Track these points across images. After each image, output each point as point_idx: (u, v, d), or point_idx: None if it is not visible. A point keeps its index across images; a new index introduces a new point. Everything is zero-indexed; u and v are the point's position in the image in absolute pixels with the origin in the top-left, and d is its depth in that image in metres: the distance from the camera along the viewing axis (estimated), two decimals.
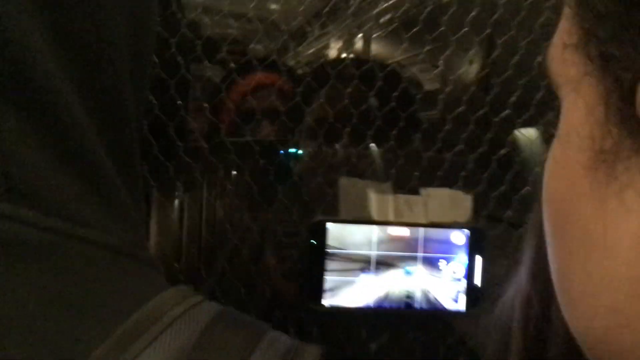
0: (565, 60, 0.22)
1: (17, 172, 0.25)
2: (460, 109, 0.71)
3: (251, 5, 0.83)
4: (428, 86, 1.10)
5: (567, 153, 0.23)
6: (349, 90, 0.73)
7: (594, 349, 0.23)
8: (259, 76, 0.85)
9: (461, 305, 0.65)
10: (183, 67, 0.69)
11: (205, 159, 0.67)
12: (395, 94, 0.71)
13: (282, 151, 0.78)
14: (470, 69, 0.92)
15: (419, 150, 0.69)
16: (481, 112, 0.71)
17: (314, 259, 0.61)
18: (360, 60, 0.79)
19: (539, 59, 0.67)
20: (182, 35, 0.78)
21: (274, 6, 1.39)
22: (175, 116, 0.63)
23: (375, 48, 1.46)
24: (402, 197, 0.63)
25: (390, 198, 0.64)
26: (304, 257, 0.62)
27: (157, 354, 0.25)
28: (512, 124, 0.70)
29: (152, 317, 0.26)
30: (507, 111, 0.70)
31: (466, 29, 0.73)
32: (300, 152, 0.79)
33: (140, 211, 0.34)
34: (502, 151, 0.67)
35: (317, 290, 0.62)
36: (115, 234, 0.28)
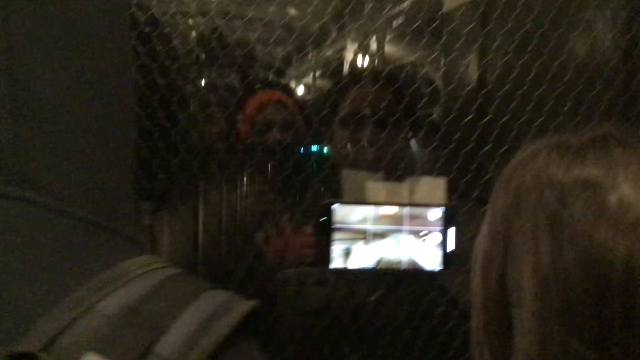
0: None
1: (27, 167, 0.33)
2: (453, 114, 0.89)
3: (270, 9, 0.99)
4: (438, 84, 1.26)
5: None
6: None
7: None
8: (269, 94, 1.05)
9: (438, 266, 0.84)
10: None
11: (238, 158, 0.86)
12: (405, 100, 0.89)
13: (303, 150, 0.98)
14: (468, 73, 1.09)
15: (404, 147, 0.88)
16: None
17: (325, 232, 0.80)
18: (375, 71, 0.96)
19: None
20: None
21: (292, 11, 1.52)
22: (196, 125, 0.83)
23: (391, 49, 1.62)
24: (391, 184, 0.82)
25: (382, 184, 0.83)
26: (317, 231, 0.81)
27: (117, 299, 0.29)
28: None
29: (121, 274, 0.31)
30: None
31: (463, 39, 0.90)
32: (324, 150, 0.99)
33: (127, 199, 0.40)
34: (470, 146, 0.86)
35: (327, 255, 0.81)
36: (100, 212, 0.36)
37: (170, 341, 0.28)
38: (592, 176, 0.42)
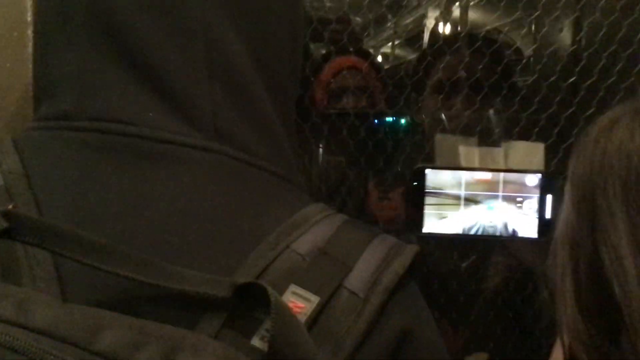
0: None
1: (223, 125, 0.37)
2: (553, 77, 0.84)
3: None
4: (526, 52, 1.21)
5: None
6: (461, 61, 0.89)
7: None
8: (343, 59, 1.04)
9: (534, 234, 0.82)
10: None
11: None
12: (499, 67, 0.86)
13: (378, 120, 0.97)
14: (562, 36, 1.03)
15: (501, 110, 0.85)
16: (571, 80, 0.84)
17: (417, 197, 0.80)
18: (471, 34, 0.94)
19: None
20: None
21: None
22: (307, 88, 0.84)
23: (472, 15, 1.56)
24: (485, 149, 0.80)
25: (476, 149, 0.81)
26: (409, 195, 0.81)
27: (308, 239, 0.34)
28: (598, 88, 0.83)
29: (304, 219, 0.36)
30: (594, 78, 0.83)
31: None
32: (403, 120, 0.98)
33: (295, 152, 0.44)
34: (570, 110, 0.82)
35: (419, 220, 0.81)
36: (279, 165, 0.40)
37: (356, 277, 0.33)
38: None
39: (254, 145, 0.38)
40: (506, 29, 1.42)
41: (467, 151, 0.80)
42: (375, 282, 0.33)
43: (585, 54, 0.83)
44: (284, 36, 0.43)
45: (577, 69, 0.82)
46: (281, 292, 0.31)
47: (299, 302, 0.31)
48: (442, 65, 0.88)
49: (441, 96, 0.92)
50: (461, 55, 0.88)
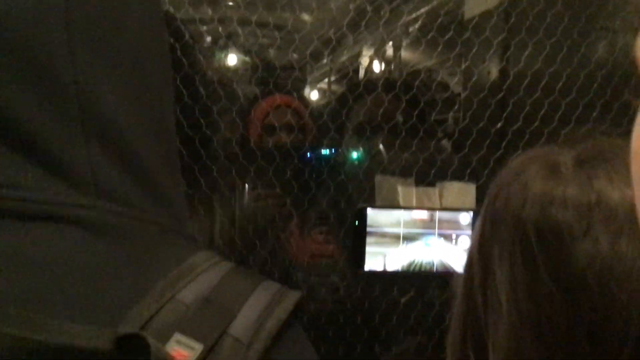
0: None
1: (103, 182, 0.37)
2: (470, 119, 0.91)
3: (286, 16, 1.01)
4: (455, 89, 1.27)
5: None
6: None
7: None
8: (279, 98, 1.07)
9: None
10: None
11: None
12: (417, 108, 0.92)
13: (310, 154, 1.00)
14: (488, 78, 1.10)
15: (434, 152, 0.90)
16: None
17: (358, 235, 0.83)
18: (387, 80, 0.99)
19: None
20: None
21: (306, 17, 1.53)
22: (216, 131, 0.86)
23: (405, 54, 1.64)
24: (422, 189, 0.85)
25: (413, 189, 0.85)
26: (350, 235, 0.84)
27: (192, 290, 0.35)
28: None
29: (189, 269, 0.36)
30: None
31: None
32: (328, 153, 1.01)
33: (182, 201, 0.45)
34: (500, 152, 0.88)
35: (360, 258, 0.84)
36: (165, 216, 0.40)
37: (240, 324, 0.34)
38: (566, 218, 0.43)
39: (137, 199, 0.38)
40: (436, 67, 1.49)
41: (406, 191, 0.85)
42: (259, 329, 0.34)
43: (512, 100, 0.90)
44: (160, 82, 0.44)
45: (505, 115, 0.89)
46: (165, 341, 0.32)
47: (183, 351, 0.32)
48: (360, 108, 0.93)
49: (361, 137, 0.96)
50: (380, 100, 0.93)
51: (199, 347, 0.32)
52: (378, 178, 0.84)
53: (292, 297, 0.37)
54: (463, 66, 1.07)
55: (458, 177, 0.90)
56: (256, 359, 0.33)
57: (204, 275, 0.36)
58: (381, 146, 1.01)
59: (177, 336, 0.32)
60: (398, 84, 0.96)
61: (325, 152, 1.04)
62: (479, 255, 0.48)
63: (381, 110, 0.93)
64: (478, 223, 0.50)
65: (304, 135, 1.09)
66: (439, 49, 0.96)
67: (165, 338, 0.32)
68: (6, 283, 0.32)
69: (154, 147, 0.41)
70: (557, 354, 0.43)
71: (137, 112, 0.40)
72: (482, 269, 0.47)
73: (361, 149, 1.00)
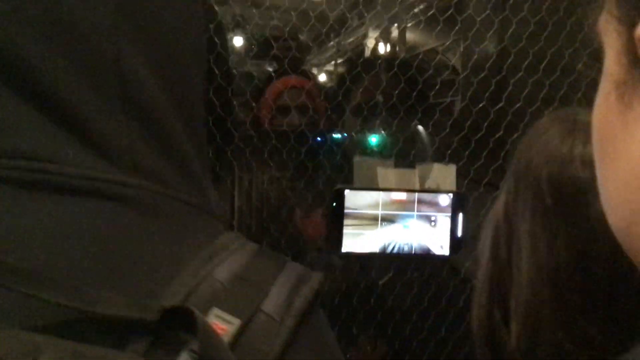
0: (605, 25, 0.29)
1: (140, 159, 0.38)
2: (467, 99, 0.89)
3: None
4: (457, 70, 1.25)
5: (604, 86, 0.29)
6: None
7: (633, 249, 0.27)
8: (286, 80, 1.06)
9: (446, 251, 0.86)
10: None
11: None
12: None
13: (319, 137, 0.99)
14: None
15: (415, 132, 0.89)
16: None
17: (336, 217, 0.82)
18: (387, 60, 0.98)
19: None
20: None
21: None
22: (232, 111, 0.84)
23: (410, 36, 1.62)
24: (401, 170, 0.84)
25: (392, 171, 0.84)
26: (328, 215, 0.83)
27: (224, 269, 0.36)
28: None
29: (221, 248, 0.37)
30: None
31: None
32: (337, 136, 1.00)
33: (208, 179, 0.45)
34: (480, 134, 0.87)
35: (338, 240, 0.83)
36: (195, 196, 0.42)
37: (272, 301, 0.36)
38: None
39: (171, 177, 0.40)
40: (441, 49, 1.48)
41: (384, 172, 0.83)
42: (289, 306, 0.36)
43: (512, 80, 0.88)
44: (193, 65, 0.44)
45: (505, 95, 0.87)
46: (204, 315, 0.33)
47: (221, 324, 0.33)
48: (358, 89, 0.91)
49: (360, 119, 0.95)
50: (379, 80, 0.91)
51: (236, 322, 0.34)
52: (357, 159, 0.83)
53: (316, 278, 0.38)
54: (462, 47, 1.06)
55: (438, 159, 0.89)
56: (287, 334, 0.34)
57: (235, 255, 0.38)
58: (420, 127, 1.00)
59: (216, 310, 0.34)
60: (415, 64, 0.94)
61: (337, 136, 1.03)
62: (504, 213, 0.51)
63: (397, 91, 0.91)
64: (504, 182, 0.53)
65: (318, 117, 1.09)
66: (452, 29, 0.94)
67: (204, 312, 0.33)
68: (52, 255, 0.33)
69: (186, 129, 0.42)
70: (573, 305, 0.45)
71: (173, 93, 0.41)
72: (507, 226, 0.50)
73: (382, 131, 0.99)
